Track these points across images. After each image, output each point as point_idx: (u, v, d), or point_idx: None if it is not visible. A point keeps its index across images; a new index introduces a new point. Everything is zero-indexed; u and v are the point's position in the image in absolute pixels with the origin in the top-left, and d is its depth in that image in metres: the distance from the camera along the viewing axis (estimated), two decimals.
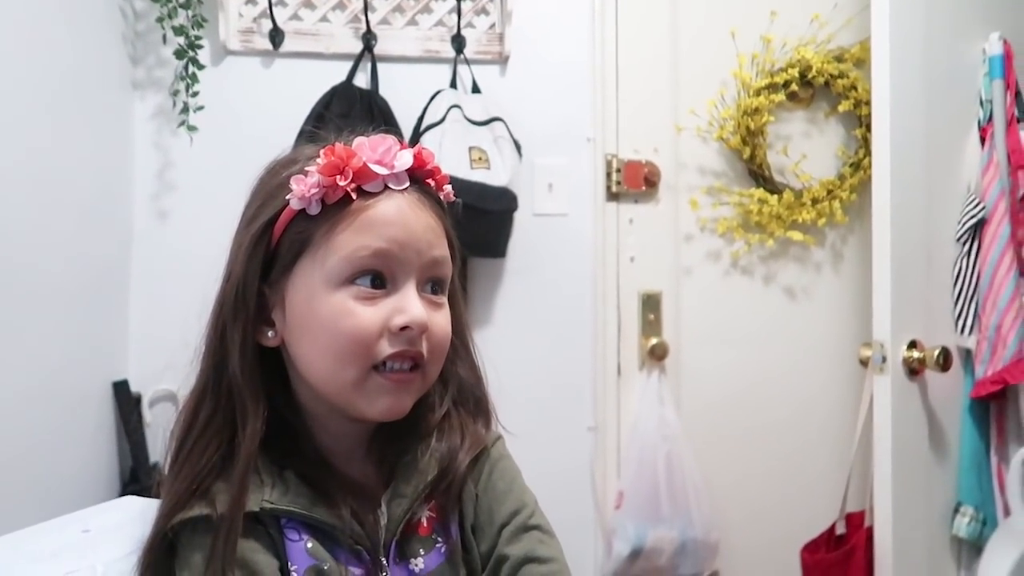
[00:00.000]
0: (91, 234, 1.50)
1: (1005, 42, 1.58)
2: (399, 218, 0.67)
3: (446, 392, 0.75)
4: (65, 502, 1.37)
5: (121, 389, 1.57)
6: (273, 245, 0.69)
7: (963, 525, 1.50)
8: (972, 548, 1.53)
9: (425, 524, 0.70)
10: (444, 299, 0.71)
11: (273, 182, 0.71)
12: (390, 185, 0.67)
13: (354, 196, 0.66)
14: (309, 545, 0.65)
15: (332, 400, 0.68)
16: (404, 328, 0.65)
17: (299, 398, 0.71)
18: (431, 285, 0.70)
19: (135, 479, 1.55)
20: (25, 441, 1.28)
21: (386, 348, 0.65)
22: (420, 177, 0.70)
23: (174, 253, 1.65)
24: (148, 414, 1.60)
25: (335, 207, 0.67)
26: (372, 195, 0.67)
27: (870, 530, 1.49)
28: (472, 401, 0.77)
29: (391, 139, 0.69)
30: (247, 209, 0.73)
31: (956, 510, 1.52)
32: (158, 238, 1.65)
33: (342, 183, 0.65)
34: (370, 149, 0.67)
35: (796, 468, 1.81)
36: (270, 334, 0.69)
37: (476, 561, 0.70)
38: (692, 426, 1.76)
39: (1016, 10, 1.68)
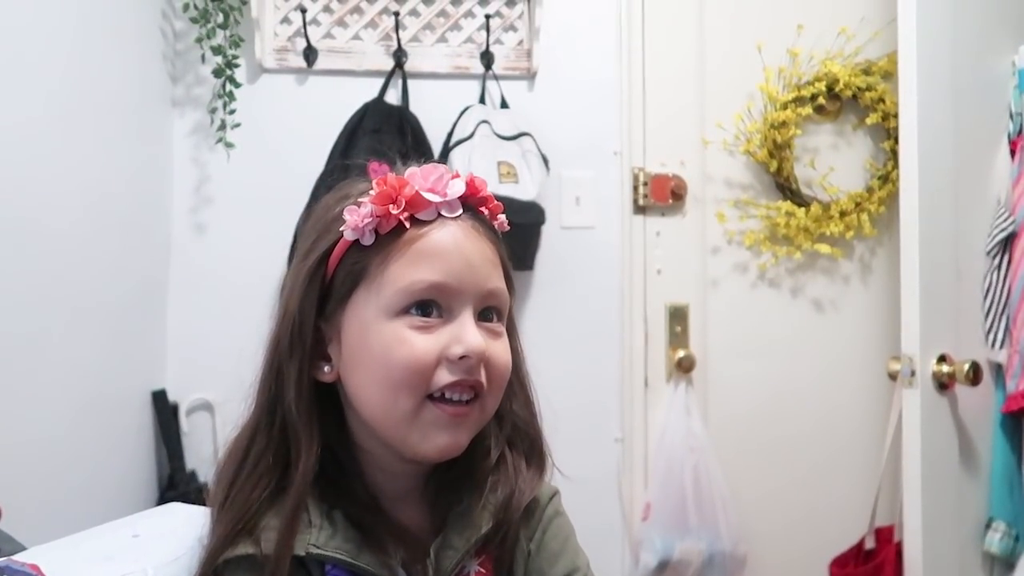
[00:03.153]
0: (131, 247, 1.55)
1: None
2: (455, 247, 0.66)
3: (500, 432, 0.73)
4: (107, 506, 1.42)
5: (160, 398, 1.61)
6: (328, 278, 0.68)
7: (995, 541, 1.48)
8: (1004, 564, 1.51)
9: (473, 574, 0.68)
10: (502, 328, 0.70)
11: (327, 216, 0.70)
12: (443, 213, 0.67)
13: (407, 225, 0.66)
14: None
15: (387, 436, 0.67)
16: (463, 357, 0.64)
17: (354, 436, 0.70)
18: (489, 314, 0.69)
19: (172, 485, 1.59)
20: (70, 449, 1.32)
21: (444, 377, 0.64)
22: (473, 205, 0.70)
23: (211, 266, 1.69)
24: (185, 423, 1.65)
25: (389, 237, 0.66)
26: (426, 223, 0.66)
27: (899, 545, 1.48)
28: (526, 442, 0.74)
29: (443, 168, 0.68)
30: (301, 245, 0.73)
31: (988, 525, 1.50)
32: (196, 251, 1.70)
33: (395, 211, 0.65)
34: (422, 178, 0.67)
35: (824, 481, 1.81)
36: (326, 369, 0.69)
37: None
38: (719, 438, 1.76)
39: None
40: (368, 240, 0.66)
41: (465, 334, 0.65)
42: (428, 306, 0.65)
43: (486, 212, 0.71)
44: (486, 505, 0.69)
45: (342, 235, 0.67)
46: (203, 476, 1.65)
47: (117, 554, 0.70)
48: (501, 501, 0.69)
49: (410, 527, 0.69)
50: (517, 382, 0.75)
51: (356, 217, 0.66)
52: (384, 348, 0.65)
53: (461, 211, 0.68)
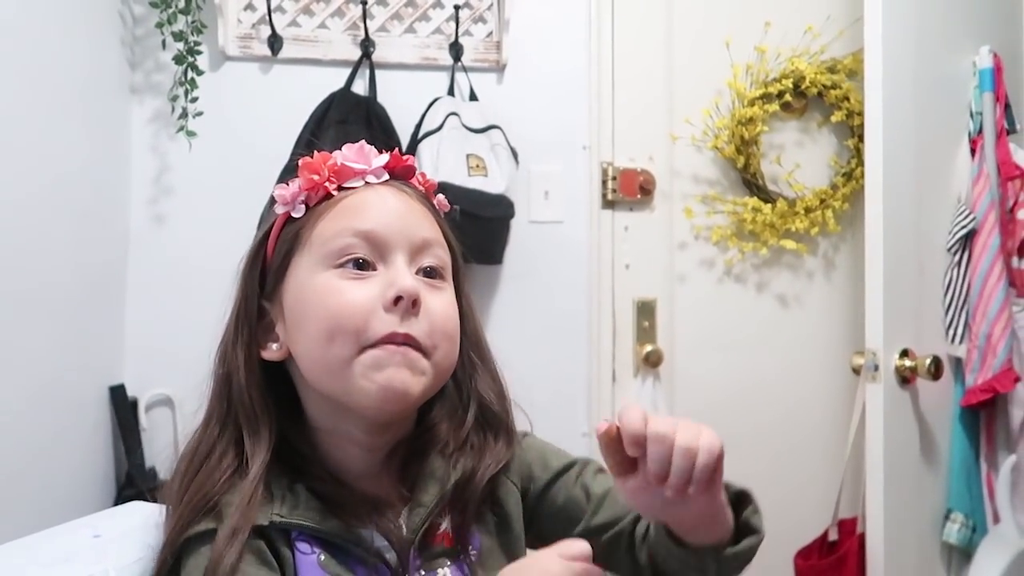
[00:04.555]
0: (88, 238, 1.50)
1: (995, 55, 1.60)
2: (380, 201, 0.68)
3: (467, 411, 0.73)
4: (63, 506, 1.37)
5: (118, 393, 1.57)
6: (268, 257, 0.71)
7: (953, 531, 1.52)
8: (962, 554, 1.55)
9: (449, 534, 0.68)
10: (444, 284, 0.70)
11: (266, 208, 0.74)
12: (367, 180, 0.69)
13: (335, 193, 0.69)
14: (322, 558, 0.64)
15: (331, 391, 0.66)
16: (397, 299, 0.64)
17: (309, 414, 0.70)
18: (426, 269, 0.68)
19: (131, 483, 1.55)
20: (23, 446, 1.27)
21: (379, 327, 0.63)
22: (401, 175, 0.72)
23: (171, 258, 1.65)
24: (144, 419, 1.60)
25: (318, 205, 0.69)
26: (353, 189, 0.69)
27: (862, 536, 1.50)
28: (495, 420, 0.74)
29: (368, 145, 0.71)
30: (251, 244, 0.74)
31: (946, 517, 1.53)
32: (155, 243, 1.65)
33: (317, 180, 0.68)
34: (347, 151, 0.70)
35: (789, 474, 1.83)
36: (274, 347, 0.69)
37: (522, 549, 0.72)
38: None
39: (1006, 24, 1.71)
40: (299, 212, 0.69)
41: (397, 277, 0.65)
42: (358, 259, 0.66)
43: (418, 184, 0.74)
44: (453, 464, 0.70)
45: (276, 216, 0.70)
46: (163, 473, 1.60)
47: (77, 555, 0.68)
48: (468, 463, 0.70)
49: (379, 496, 0.69)
50: (479, 357, 0.75)
51: (284, 191, 0.69)
52: (319, 300, 0.65)
53: (385, 179, 0.70)
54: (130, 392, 1.60)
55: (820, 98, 1.84)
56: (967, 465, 1.54)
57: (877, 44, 1.42)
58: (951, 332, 1.55)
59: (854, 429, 1.63)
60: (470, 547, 0.69)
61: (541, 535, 0.75)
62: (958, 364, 1.57)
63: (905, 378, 1.42)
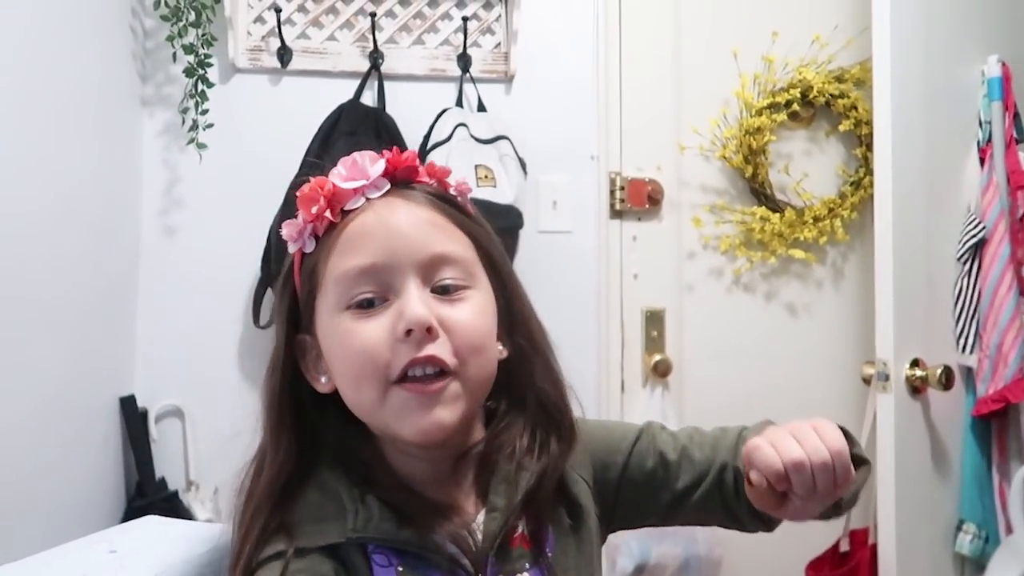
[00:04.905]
0: (99, 250, 1.51)
1: (1004, 64, 1.60)
2: (378, 225, 0.65)
3: (523, 411, 0.70)
4: (73, 516, 1.38)
5: (128, 404, 1.57)
6: (297, 293, 0.69)
7: (966, 542, 1.51)
8: (975, 565, 1.54)
9: (526, 536, 0.67)
10: (465, 293, 0.66)
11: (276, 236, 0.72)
12: (368, 196, 0.66)
13: (339, 219, 0.66)
14: (400, 570, 0.63)
15: (376, 429, 0.66)
16: (408, 332, 0.62)
17: (373, 431, 0.69)
18: (442, 282, 0.65)
19: (141, 494, 1.55)
20: (33, 456, 1.28)
21: (399, 359, 0.62)
22: (403, 178, 0.69)
23: (181, 269, 1.66)
24: (154, 430, 1.60)
25: (327, 236, 0.67)
26: (355, 212, 0.66)
27: (874, 547, 1.50)
28: (553, 416, 0.71)
29: (367, 153, 0.68)
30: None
31: (959, 527, 1.53)
32: (166, 254, 1.66)
33: (315, 211, 0.66)
34: (342, 168, 0.67)
35: None
36: (323, 380, 0.68)
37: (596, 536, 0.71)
38: None
39: (1014, 33, 1.71)
40: (310, 247, 0.67)
41: (406, 308, 0.62)
42: (364, 298, 0.64)
43: (427, 181, 0.70)
44: (523, 467, 0.67)
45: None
46: (173, 484, 1.61)
47: (93, 571, 0.67)
48: (536, 468, 0.67)
49: (452, 504, 0.67)
50: (530, 346, 0.71)
51: (291, 228, 0.68)
52: (339, 345, 0.65)
53: (386, 188, 0.67)
54: (140, 403, 1.60)
55: (828, 107, 1.85)
56: (979, 475, 1.54)
57: (885, 53, 1.43)
58: (962, 342, 1.54)
59: (865, 439, 1.62)
60: (546, 548, 0.67)
61: (627, 517, 0.75)
62: (969, 374, 1.56)
63: (916, 388, 1.42)
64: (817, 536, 1.73)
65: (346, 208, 0.66)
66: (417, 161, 0.70)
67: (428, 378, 0.62)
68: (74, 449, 1.42)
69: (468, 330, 0.64)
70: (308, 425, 0.69)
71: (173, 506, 1.54)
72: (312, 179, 0.68)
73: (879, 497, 1.41)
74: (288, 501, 0.66)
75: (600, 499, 0.73)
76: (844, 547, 1.66)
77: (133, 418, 1.57)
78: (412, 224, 0.65)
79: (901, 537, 1.39)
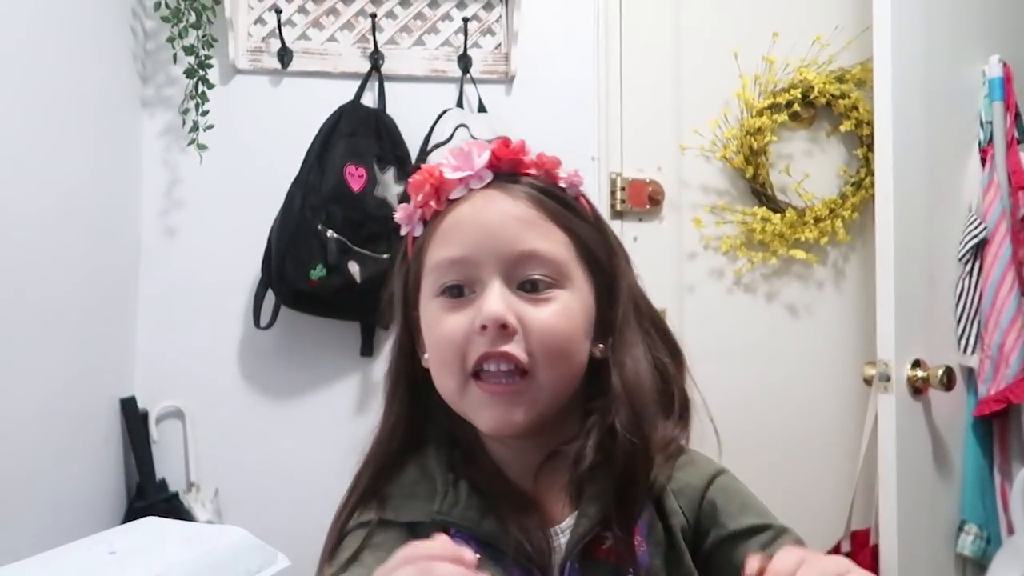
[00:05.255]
0: (99, 251, 1.51)
1: (1005, 64, 1.60)
2: (472, 218, 0.66)
3: (610, 404, 0.67)
4: (74, 517, 1.38)
5: (128, 405, 1.57)
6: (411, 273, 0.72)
7: (967, 543, 1.50)
8: (976, 566, 1.54)
9: (612, 549, 0.64)
10: (553, 293, 0.65)
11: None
12: (472, 186, 0.67)
13: (444, 206, 0.68)
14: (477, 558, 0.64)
15: (461, 415, 0.68)
16: (483, 327, 0.63)
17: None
18: (529, 280, 0.65)
19: (142, 495, 1.55)
20: (34, 457, 1.28)
21: (474, 352, 0.64)
22: (508, 170, 0.68)
23: (182, 270, 1.66)
24: (155, 431, 1.60)
25: (432, 222, 0.69)
26: (458, 201, 0.68)
27: (875, 548, 1.49)
28: (662, 400, 0.69)
29: (477, 142, 0.69)
30: None
31: (960, 528, 1.52)
32: (166, 255, 1.66)
33: (420, 199, 0.68)
34: (451, 157, 0.68)
35: (800, 486, 1.82)
36: (425, 357, 0.70)
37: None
38: (695, 443, 1.76)
39: (1015, 33, 1.71)
40: (418, 230, 0.70)
41: (484, 303, 0.63)
42: (452, 287, 0.66)
43: (534, 174, 0.69)
44: (615, 471, 0.65)
45: None
46: (173, 485, 1.61)
47: (93, 572, 0.67)
48: (626, 475, 0.65)
49: (536, 499, 0.67)
50: (628, 346, 0.69)
51: (404, 212, 0.71)
52: (429, 330, 0.67)
53: (490, 179, 0.67)
54: (141, 404, 1.60)
55: (829, 108, 1.84)
56: (981, 476, 1.53)
57: (886, 54, 1.42)
58: (963, 342, 1.54)
59: (866, 440, 1.62)
60: (639, 565, 0.64)
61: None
62: (970, 374, 1.56)
63: (917, 388, 1.42)
64: (818, 537, 1.72)
65: (450, 197, 0.68)
66: (525, 152, 0.69)
67: (501, 375, 0.63)
68: (74, 450, 1.42)
69: (546, 330, 0.64)
70: (422, 399, 0.70)
71: (173, 507, 1.54)
72: (424, 165, 0.70)
73: (880, 498, 1.41)
74: (391, 472, 0.69)
75: (688, 543, 0.69)
76: (845, 548, 1.65)
77: (134, 419, 1.57)
78: (504, 219, 0.65)
79: (902, 538, 1.39)
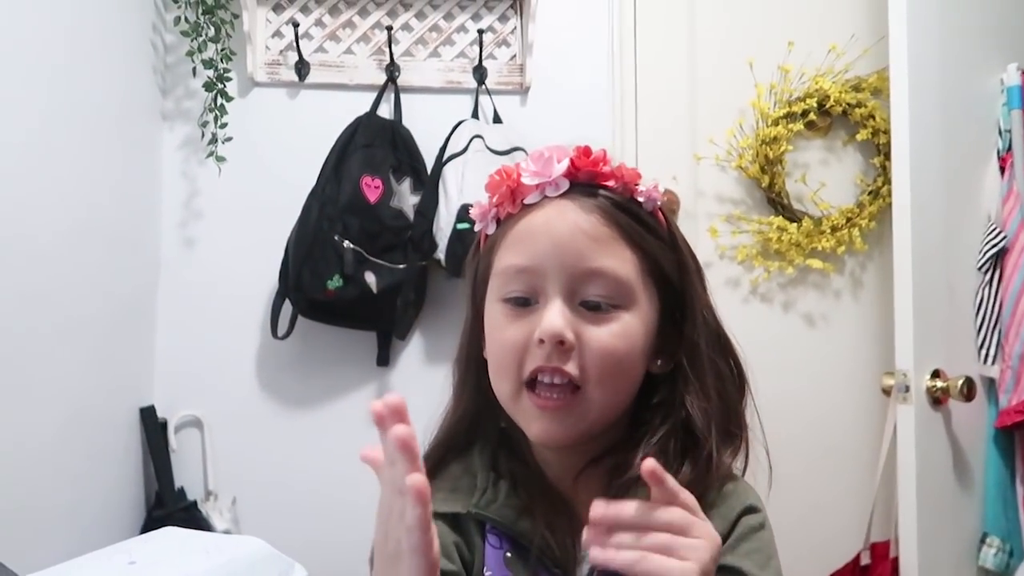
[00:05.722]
0: (119, 262, 1.53)
1: (1023, 73, 1.58)
2: (544, 229, 0.66)
3: (668, 429, 0.68)
4: (94, 525, 1.39)
5: (148, 415, 1.58)
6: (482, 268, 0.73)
7: (990, 556, 1.48)
8: None
9: None
10: (615, 313, 0.65)
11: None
12: (547, 193, 0.67)
13: (518, 209, 0.68)
14: (508, 555, 0.66)
15: (512, 416, 0.69)
16: (540, 342, 0.64)
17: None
18: (592, 298, 0.65)
19: (161, 504, 1.56)
20: (55, 466, 1.29)
21: (531, 363, 0.65)
22: (586, 180, 0.68)
23: (201, 280, 1.67)
24: (174, 440, 1.62)
25: (505, 223, 0.70)
26: (533, 207, 0.68)
27: (895, 561, 1.48)
28: (694, 441, 0.68)
29: (559, 148, 0.68)
30: None
31: (982, 541, 1.50)
32: (185, 266, 1.68)
33: (498, 199, 0.69)
34: (532, 161, 0.68)
35: (819, 496, 1.80)
36: (487, 350, 0.71)
37: None
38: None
39: None
40: (491, 229, 0.71)
41: (545, 317, 0.64)
42: (517, 296, 0.66)
43: (612, 186, 0.68)
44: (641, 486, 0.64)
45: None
46: (191, 494, 1.62)
47: None
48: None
49: (577, 504, 0.68)
50: (691, 372, 0.70)
51: (479, 209, 0.71)
52: (491, 332, 0.69)
53: (566, 188, 0.67)
54: (160, 413, 1.62)
55: (845, 117, 1.84)
56: (1003, 488, 1.51)
57: (902, 62, 1.41)
58: (983, 352, 1.52)
59: (885, 451, 1.61)
60: None
61: None
62: (991, 385, 1.54)
63: (937, 399, 1.40)
64: (837, 549, 1.71)
65: (525, 202, 0.68)
66: (605, 163, 0.68)
67: (553, 387, 0.64)
68: (94, 459, 1.43)
69: (602, 351, 0.64)
70: (487, 389, 0.71)
71: (192, 516, 1.55)
72: (504, 165, 0.70)
73: (901, 510, 1.39)
74: (444, 464, 0.71)
75: None
76: (865, 560, 1.64)
77: (153, 428, 1.58)
78: (574, 234, 0.65)
79: (923, 550, 1.37)
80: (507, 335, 0.66)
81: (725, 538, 0.66)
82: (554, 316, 0.63)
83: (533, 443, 0.71)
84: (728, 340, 0.75)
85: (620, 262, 0.66)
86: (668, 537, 0.53)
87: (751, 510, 0.69)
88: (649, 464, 0.54)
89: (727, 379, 0.73)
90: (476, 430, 0.71)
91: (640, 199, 0.69)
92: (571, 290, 0.65)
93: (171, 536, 0.81)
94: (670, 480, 0.55)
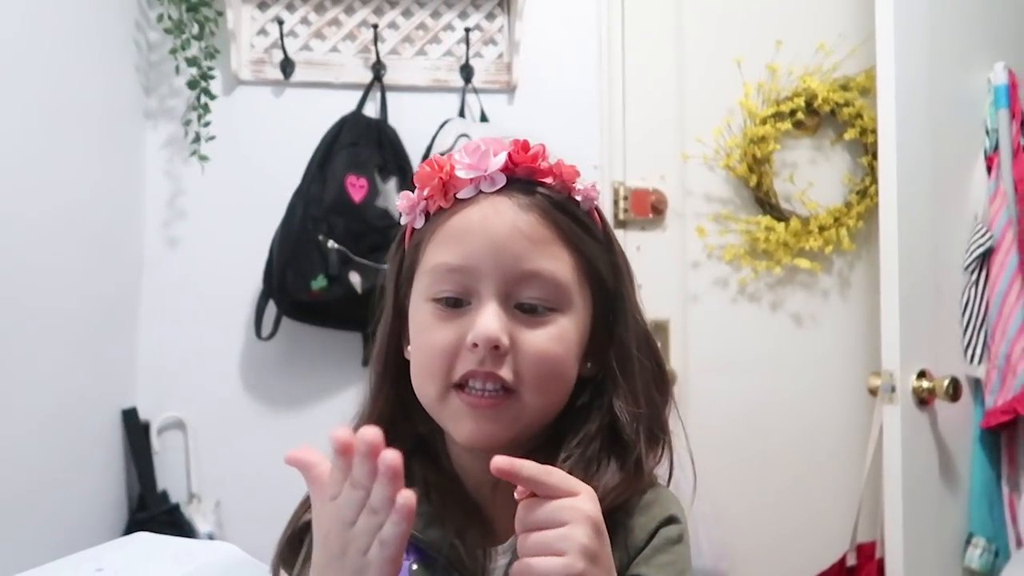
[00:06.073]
0: (102, 261, 1.51)
1: (1010, 72, 1.58)
2: (479, 227, 0.63)
3: (593, 432, 0.66)
4: (75, 529, 1.38)
5: (130, 416, 1.57)
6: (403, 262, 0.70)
7: (975, 556, 1.48)
8: None
9: None
10: (550, 316, 0.63)
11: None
12: (483, 189, 0.64)
13: (449, 205, 0.65)
14: (415, 567, 0.62)
15: (435, 419, 0.66)
16: (474, 346, 0.61)
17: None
18: (528, 301, 0.63)
19: (143, 507, 1.55)
20: (35, 469, 1.28)
21: (462, 367, 0.62)
22: (524, 176, 0.65)
23: (184, 280, 1.66)
24: (156, 441, 1.60)
25: (436, 217, 0.66)
26: (467, 202, 0.64)
27: (881, 562, 1.48)
28: (621, 444, 0.66)
29: (495, 140, 0.65)
30: None
31: (968, 541, 1.50)
32: (169, 265, 1.66)
33: (429, 192, 0.65)
34: (465, 153, 0.64)
35: (805, 497, 1.80)
36: (409, 349, 0.68)
37: None
38: (700, 454, 1.74)
39: (1021, 40, 1.70)
40: (419, 223, 0.67)
41: (479, 320, 0.61)
42: (448, 297, 0.63)
43: (550, 183, 0.65)
44: None
45: None
46: (175, 497, 1.61)
47: None
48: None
49: (485, 512, 0.66)
50: (620, 375, 0.67)
51: (407, 201, 0.68)
52: (417, 333, 0.65)
53: (502, 184, 0.64)
54: (142, 415, 1.60)
55: (833, 116, 1.83)
56: (988, 488, 1.51)
57: (890, 61, 1.41)
58: (970, 352, 1.52)
59: (871, 451, 1.61)
60: None
61: None
62: (977, 385, 1.54)
63: (923, 400, 1.40)
64: (823, 550, 1.71)
65: (459, 196, 0.64)
66: (544, 158, 0.66)
67: (485, 391, 0.62)
68: (76, 462, 1.42)
69: (537, 356, 0.62)
70: (405, 392, 0.68)
71: (175, 519, 1.54)
72: (435, 156, 0.67)
73: (886, 510, 1.39)
74: None
75: None
76: (851, 561, 1.64)
77: (135, 430, 1.57)
78: (511, 234, 0.63)
79: (909, 551, 1.37)
80: (437, 337, 0.63)
81: (642, 548, 0.64)
82: (489, 319, 0.61)
83: (452, 448, 0.68)
84: (654, 342, 0.72)
85: (558, 264, 0.64)
86: (540, 536, 0.52)
87: (671, 521, 0.66)
88: (496, 462, 0.52)
89: (652, 384, 0.70)
90: (389, 435, 0.67)
91: (578, 198, 0.67)
92: (506, 292, 0.63)
93: (143, 542, 0.80)
94: (525, 469, 0.53)
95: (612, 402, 0.66)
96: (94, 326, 1.48)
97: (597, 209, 0.70)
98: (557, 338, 0.63)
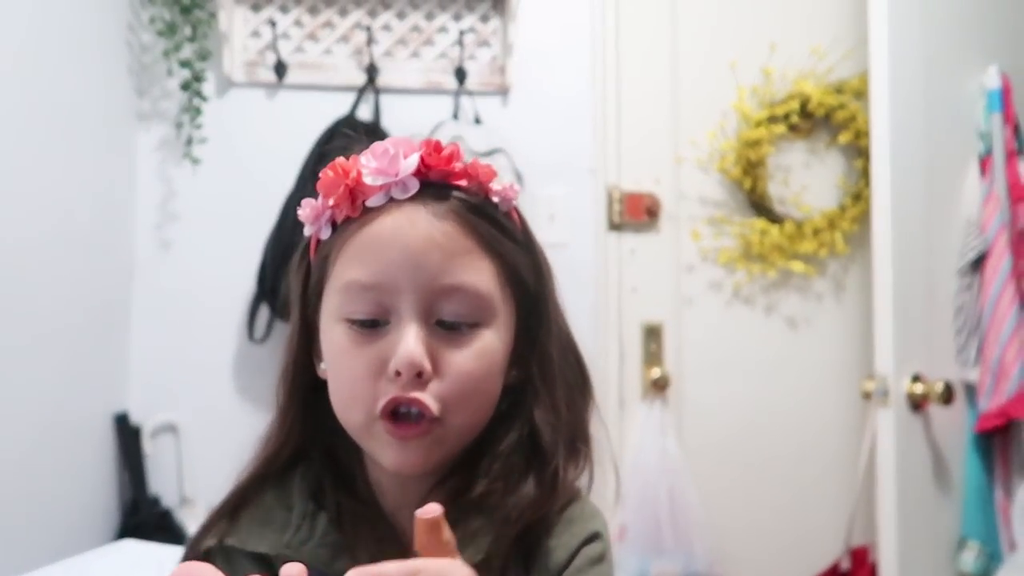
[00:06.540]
0: (93, 264, 1.50)
1: (1003, 76, 1.59)
2: (392, 240, 0.58)
3: (503, 440, 0.63)
4: (67, 534, 1.37)
5: (122, 421, 1.56)
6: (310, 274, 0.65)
7: (969, 560, 1.48)
8: None
9: None
10: (471, 334, 0.60)
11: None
12: (394, 195, 0.59)
13: (359, 213, 0.59)
14: None
15: (358, 443, 0.62)
16: (397, 373, 0.57)
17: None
18: (449, 318, 0.59)
19: (135, 511, 1.54)
20: (27, 474, 1.27)
21: (385, 393, 0.57)
22: (438, 181, 0.60)
23: (176, 284, 1.65)
24: (148, 446, 1.59)
25: (344, 227, 0.60)
26: (378, 210, 0.59)
27: (875, 566, 1.47)
28: (540, 456, 0.63)
29: (403, 142, 0.60)
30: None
31: (961, 545, 1.50)
32: (160, 269, 1.66)
33: (334, 201, 0.59)
34: (372, 157, 0.59)
35: (799, 501, 1.80)
36: (322, 366, 0.64)
37: None
38: (694, 457, 1.75)
39: (1014, 44, 1.70)
40: (325, 234, 0.61)
41: (399, 344, 0.57)
42: (363, 319, 0.59)
43: (465, 185, 0.61)
44: (492, 516, 0.60)
45: None
46: (167, 501, 1.60)
47: None
48: (506, 516, 0.59)
49: (405, 535, 0.61)
50: (540, 382, 0.64)
51: (309, 210, 0.61)
52: (334, 357, 0.61)
53: (415, 190, 0.59)
54: (134, 419, 1.59)
55: (827, 119, 1.83)
56: (982, 492, 1.51)
57: (883, 65, 1.41)
58: (963, 356, 1.52)
59: (865, 455, 1.61)
60: None
61: None
62: (971, 389, 1.54)
63: (916, 403, 1.40)
64: (817, 554, 1.71)
65: (368, 205, 0.59)
66: (458, 159, 0.61)
67: (409, 417, 0.58)
68: (68, 465, 1.41)
69: (462, 378, 0.59)
70: (319, 410, 0.64)
71: (167, 523, 1.53)
72: (339, 160, 0.61)
73: (880, 515, 1.39)
74: (260, 492, 0.63)
75: None
76: (845, 565, 1.64)
77: (127, 435, 1.56)
78: (427, 246, 0.58)
79: (902, 555, 1.37)
80: (356, 363, 0.58)
81: (564, 567, 0.61)
82: (411, 344, 0.56)
83: (370, 466, 0.64)
84: (577, 347, 0.69)
85: (478, 275, 0.60)
86: None
87: (593, 539, 0.63)
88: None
89: (575, 389, 0.67)
90: (299, 456, 0.62)
91: (495, 199, 0.63)
92: (426, 309, 0.58)
93: (127, 549, 0.79)
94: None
95: (532, 412, 0.63)
96: (85, 329, 1.47)
97: (516, 209, 0.66)
98: (481, 354, 0.60)
